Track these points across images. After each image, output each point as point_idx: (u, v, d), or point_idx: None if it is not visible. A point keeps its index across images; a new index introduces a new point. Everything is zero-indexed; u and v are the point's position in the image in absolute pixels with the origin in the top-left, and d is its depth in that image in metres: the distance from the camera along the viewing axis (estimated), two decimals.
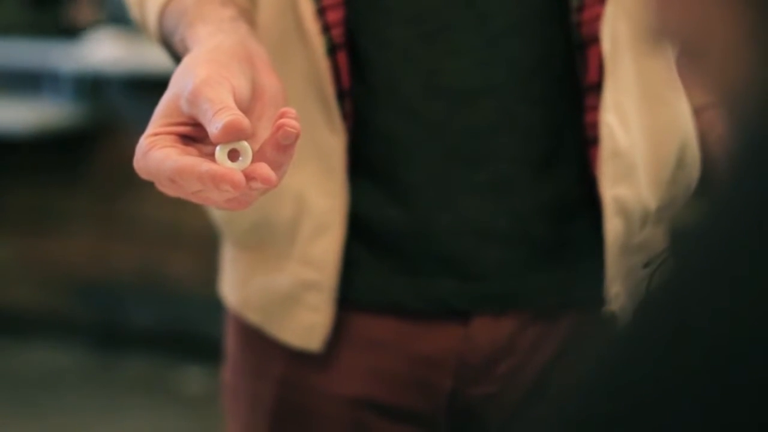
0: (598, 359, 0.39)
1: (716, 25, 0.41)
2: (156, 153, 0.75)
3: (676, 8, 0.43)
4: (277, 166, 0.76)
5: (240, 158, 0.75)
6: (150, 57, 3.48)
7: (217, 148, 0.75)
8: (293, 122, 0.75)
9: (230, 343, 1.14)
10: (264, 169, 0.74)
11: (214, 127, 0.74)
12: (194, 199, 0.77)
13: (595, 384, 0.38)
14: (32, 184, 3.97)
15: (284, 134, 0.75)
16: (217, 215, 1.10)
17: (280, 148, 0.76)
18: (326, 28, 0.99)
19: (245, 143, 0.75)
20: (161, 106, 0.79)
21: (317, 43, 0.99)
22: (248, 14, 0.97)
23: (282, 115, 0.76)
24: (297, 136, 0.76)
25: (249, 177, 0.74)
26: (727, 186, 0.39)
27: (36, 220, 3.99)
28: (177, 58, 0.92)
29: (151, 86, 3.47)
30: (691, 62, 0.43)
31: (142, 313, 3.85)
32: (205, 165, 0.73)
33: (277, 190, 1.02)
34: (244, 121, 0.74)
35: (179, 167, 0.73)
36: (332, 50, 0.99)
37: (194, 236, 3.61)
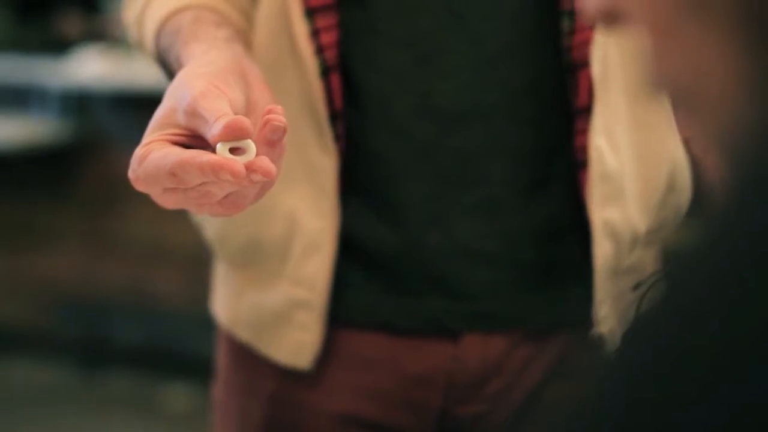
0: (588, 385, 0.39)
1: (711, 69, 0.41)
2: (155, 153, 0.75)
3: (672, 53, 0.43)
4: None
5: (242, 154, 0.75)
6: (137, 74, 3.48)
7: (218, 144, 0.75)
8: (279, 117, 0.76)
9: (221, 360, 1.14)
10: (264, 161, 0.75)
11: (215, 129, 0.74)
12: (192, 197, 0.76)
13: (584, 411, 0.39)
14: (18, 200, 3.96)
15: (272, 129, 0.76)
16: (210, 233, 1.10)
17: (269, 144, 0.77)
18: (320, 50, 0.99)
19: (248, 140, 0.75)
20: (156, 119, 0.79)
21: (311, 64, 0.99)
22: (244, 35, 0.98)
23: (268, 112, 0.77)
24: (284, 131, 0.76)
25: (250, 169, 0.74)
26: (722, 215, 0.39)
27: (22, 236, 3.97)
28: (172, 75, 0.92)
29: (138, 103, 3.49)
30: (686, 106, 0.44)
31: (128, 330, 3.83)
32: (206, 155, 0.73)
33: (269, 209, 1.03)
34: (246, 120, 0.75)
35: (181, 159, 0.74)
36: (325, 72, 1.00)
37: (181, 253, 3.60)
